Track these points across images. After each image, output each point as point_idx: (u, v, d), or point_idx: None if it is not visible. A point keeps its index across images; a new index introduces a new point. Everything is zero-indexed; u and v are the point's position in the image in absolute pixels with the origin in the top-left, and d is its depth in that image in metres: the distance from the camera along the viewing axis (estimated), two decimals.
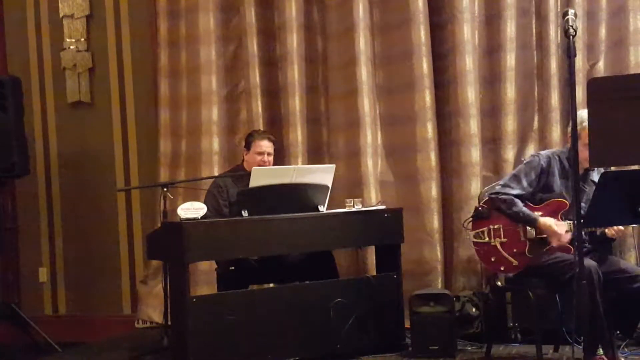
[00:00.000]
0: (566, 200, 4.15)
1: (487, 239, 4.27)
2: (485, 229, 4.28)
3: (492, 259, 4.27)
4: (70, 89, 6.08)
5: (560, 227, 4.09)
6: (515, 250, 4.22)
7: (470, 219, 4.38)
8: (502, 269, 4.28)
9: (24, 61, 6.14)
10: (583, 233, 4.08)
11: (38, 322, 5.71)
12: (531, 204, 4.24)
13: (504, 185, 4.28)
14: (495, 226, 4.26)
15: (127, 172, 6.05)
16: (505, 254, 4.22)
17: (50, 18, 6.11)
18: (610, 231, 4.10)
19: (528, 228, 4.20)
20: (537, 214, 4.17)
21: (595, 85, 3.16)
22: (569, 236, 4.07)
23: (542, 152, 4.35)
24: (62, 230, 6.15)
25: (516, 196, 4.22)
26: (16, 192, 6.14)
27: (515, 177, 4.27)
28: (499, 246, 4.24)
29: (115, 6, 6.01)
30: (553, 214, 4.17)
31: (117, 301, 6.04)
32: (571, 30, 3.18)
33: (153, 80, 5.91)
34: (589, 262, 3.85)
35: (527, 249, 4.21)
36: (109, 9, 6.02)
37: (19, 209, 6.18)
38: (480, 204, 4.41)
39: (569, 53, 3.13)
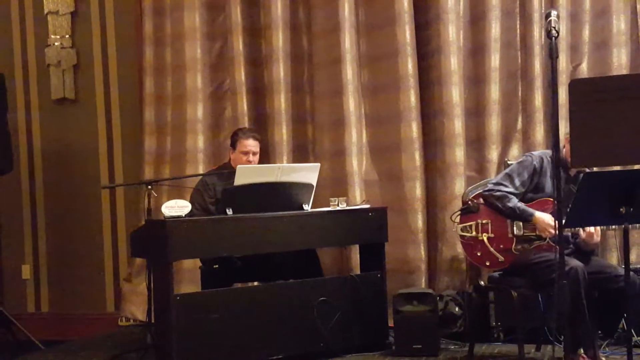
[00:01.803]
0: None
1: (474, 233, 4.28)
2: (472, 223, 4.30)
3: (478, 254, 4.28)
4: (55, 86, 6.05)
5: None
6: (501, 246, 4.24)
7: (459, 212, 4.38)
8: (487, 264, 4.30)
9: (8, 57, 6.10)
10: (569, 235, 4.13)
11: (20, 320, 5.69)
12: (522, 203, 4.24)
13: (497, 183, 4.29)
14: (484, 221, 4.28)
15: (111, 169, 6.03)
16: (492, 249, 4.24)
17: (34, 14, 6.08)
18: (586, 241, 4.12)
19: (515, 225, 4.22)
20: (532, 209, 4.18)
21: (577, 87, 3.18)
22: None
23: (535, 153, 4.37)
24: (45, 228, 6.12)
25: (509, 193, 4.23)
26: None
27: (509, 177, 4.28)
28: (486, 241, 4.25)
29: (100, 3, 5.98)
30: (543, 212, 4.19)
31: (100, 299, 6.02)
32: (553, 32, 3.20)
33: (138, 78, 5.90)
34: (575, 262, 3.88)
35: (513, 245, 4.23)
36: (93, 6, 6.00)
37: (1, 206, 6.13)
38: (470, 197, 4.40)
39: (551, 54, 3.15)
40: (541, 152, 4.42)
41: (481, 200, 4.33)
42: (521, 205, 4.21)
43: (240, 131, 5.03)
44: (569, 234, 4.12)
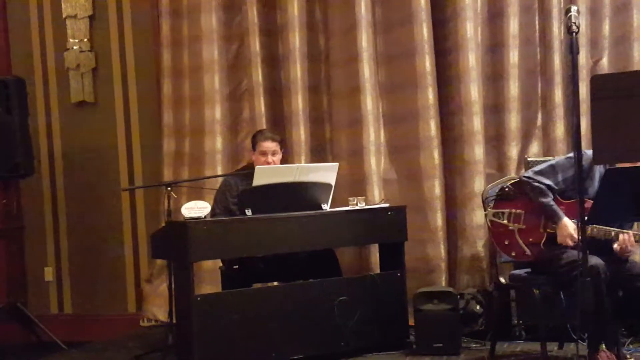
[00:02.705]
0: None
1: (505, 221, 4.20)
2: (506, 210, 4.20)
3: (506, 242, 4.21)
4: (74, 89, 6.09)
5: (576, 234, 3.96)
6: (531, 239, 4.16)
7: (494, 196, 4.31)
8: (513, 254, 4.22)
9: (28, 62, 6.14)
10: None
11: (44, 321, 5.75)
12: (560, 198, 4.15)
13: (538, 172, 4.15)
14: (517, 211, 4.19)
15: (130, 171, 6.05)
16: (520, 242, 4.18)
17: (53, 19, 6.11)
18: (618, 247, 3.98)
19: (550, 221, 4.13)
20: (562, 212, 4.07)
21: (598, 83, 3.14)
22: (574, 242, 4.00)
23: (589, 152, 4.00)
24: (67, 230, 6.16)
25: (547, 186, 4.12)
26: (21, 192, 6.15)
27: (553, 169, 4.14)
28: (516, 232, 4.19)
29: (118, 6, 6.01)
30: (577, 213, 4.09)
31: (122, 300, 6.05)
32: (574, 28, 3.16)
33: (156, 80, 5.92)
34: (595, 260, 3.81)
35: (543, 241, 4.15)
36: (111, 9, 6.02)
37: (24, 209, 6.20)
38: (509, 185, 4.28)
39: (571, 50, 3.11)
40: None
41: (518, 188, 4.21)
42: (554, 205, 4.09)
43: (258, 133, 5.04)
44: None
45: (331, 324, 4.52)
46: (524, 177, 4.21)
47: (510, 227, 4.20)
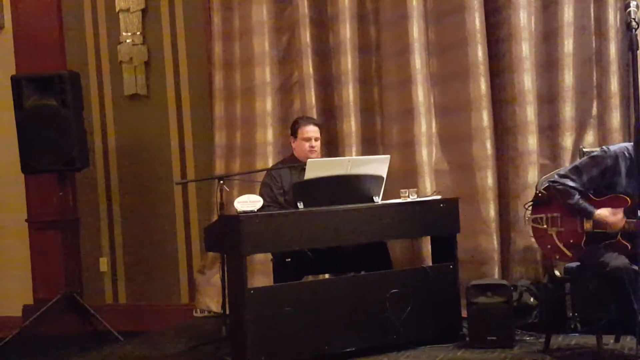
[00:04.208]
0: (628, 197, 4.00)
1: (544, 225, 4.21)
2: (543, 215, 4.21)
3: (548, 246, 4.22)
4: (127, 82, 6.16)
5: (616, 216, 3.98)
6: (571, 241, 4.15)
7: (531, 202, 4.31)
8: (557, 257, 4.24)
9: (82, 56, 6.23)
10: None
11: (99, 311, 5.86)
12: (593, 197, 4.12)
13: (563, 176, 4.16)
14: (554, 214, 4.19)
15: (183, 163, 6.11)
16: (560, 245, 4.17)
17: (106, 13, 6.18)
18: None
19: (585, 220, 4.11)
20: (592, 207, 4.06)
21: None
22: (623, 221, 3.98)
23: (612, 148, 4.13)
24: (121, 221, 6.25)
25: (572, 188, 4.11)
26: (77, 184, 6.25)
27: (577, 170, 4.14)
28: (554, 235, 4.18)
29: (170, 0, 6.06)
30: (615, 208, 4.04)
31: (175, 290, 6.13)
32: (633, 24, 3.09)
33: (208, 73, 5.96)
34: (619, 261, 3.80)
35: (583, 241, 4.13)
36: (163, 3, 6.07)
37: (79, 201, 6.30)
38: (541, 190, 4.31)
39: (631, 46, 3.05)
40: (618, 147, 4.13)
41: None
42: (582, 203, 4.07)
43: (299, 119, 5.06)
44: None
45: (383, 316, 4.51)
46: (550, 181, 4.22)
47: (549, 231, 4.19)
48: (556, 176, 4.22)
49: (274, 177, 4.92)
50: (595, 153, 4.20)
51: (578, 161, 4.29)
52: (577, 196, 4.10)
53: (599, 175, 4.08)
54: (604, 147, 4.27)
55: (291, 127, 5.04)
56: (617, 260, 3.81)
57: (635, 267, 3.76)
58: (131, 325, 5.83)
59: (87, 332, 5.88)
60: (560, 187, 4.13)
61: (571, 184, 4.11)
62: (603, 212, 4.04)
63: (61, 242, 6.12)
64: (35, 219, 6.24)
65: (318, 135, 4.94)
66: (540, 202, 4.27)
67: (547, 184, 4.28)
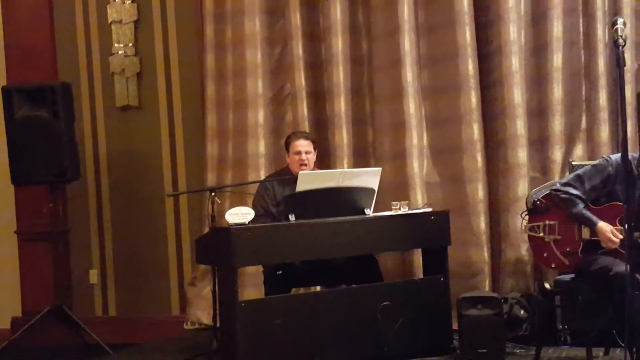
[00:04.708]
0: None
1: (541, 234, 4.22)
2: (540, 223, 4.22)
3: (545, 255, 4.22)
4: (119, 93, 6.16)
5: (616, 236, 4.00)
6: (568, 249, 4.16)
7: (527, 211, 4.33)
8: (553, 265, 4.24)
9: (74, 67, 6.23)
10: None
11: (88, 324, 5.82)
12: (592, 205, 4.14)
13: (565, 184, 4.17)
14: (551, 222, 4.19)
15: (174, 174, 6.11)
16: (557, 253, 4.18)
17: (99, 24, 6.19)
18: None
19: (583, 228, 4.12)
20: (596, 217, 4.08)
21: None
22: (619, 238, 4.01)
23: (613, 157, 4.16)
24: (111, 233, 6.24)
25: (576, 196, 4.13)
26: (67, 195, 6.23)
27: (579, 178, 4.15)
28: (552, 244, 4.19)
29: (162, 11, 6.06)
30: (610, 217, 4.07)
31: (166, 303, 6.11)
32: (620, 41, 3.12)
33: (200, 84, 5.97)
34: (621, 267, 3.80)
35: (580, 249, 4.14)
36: (156, 14, 6.08)
37: (69, 213, 6.28)
38: (540, 198, 4.31)
39: (618, 62, 3.07)
40: (619, 155, 4.12)
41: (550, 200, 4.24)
42: (586, 212, 4.10)
43: (292, 134, 5.11)
44: None
45: (374, 329, 4.51)
46: (552, 190, 4.23)
47: (547, 240, 4.20)
48: (559, 184, 4.22)
49: (267, 188, 4.94)
50: (596, 162, 4.22)
51: (580, 169, 4.27)
52: (581, 205, 4.11)
53: (600, 183, 4.11)
54: (604, 156, 4.30)
55: (285, 143, 5.08)
56: (620, 266, 3.81)
57: (638, 276, 3.77)
58: (121, 338, 5.80)
59: (76, 345, 5.84)
60: (564, 195, 4.14)
61: (575, 192, 4.13)
62: (605, 228, 4.04)
63: (51, 254, 6.09)
64: (25, 231, 6.22)
65: (309, 149, 4.96)
66: (536, 211, 4.27)
67: (548, 192, 4.27)
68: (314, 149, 5.01)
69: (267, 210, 4.85)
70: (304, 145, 4.94)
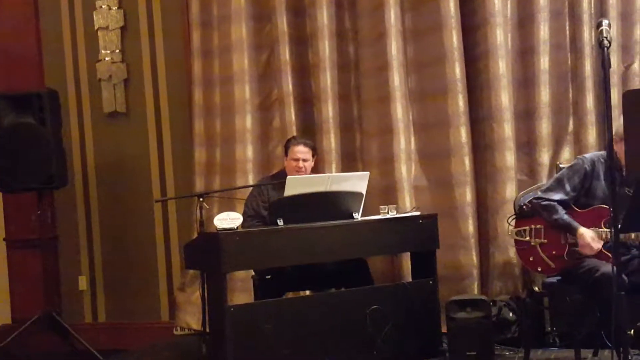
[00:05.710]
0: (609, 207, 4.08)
1: (527, 238, 4.26)
2: (527, 227, 4.27)
3: (531, 259, 4.27)
4: (106, 100, 6.14)
5: (595, 243, 4.06)
6: (554, 252, 4.20)
7: (514, 216, 4.37)
8: (539, 269, 4.28)
9: (61, 73, 6.21)
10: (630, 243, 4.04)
11: (78, 330, 5.80)
12: (576, 209, 4.19)
13: (546, 190, 4.23)
14: (537, 226, 4.24)
15: (162, 180, 6.10)
16: (544, 256, 4.21)
17: (85, 30, 6.17)
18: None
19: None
20: (577, 223, 4.12)
21: (630, 98, 3.14)
22: (599, 246, 4.06)
23: (587, 155, 4.28)
24: (100, 239, 6.22)
25: (559, 201, 4.18)
26: (55, 202, 6.22)
27: (559, 182, 4.22)
28: (538, 247, 4.23)
29: (149, 17, 6.05)
30: (595, 220, 4.12)
31: (155, 308, 6.10)
32: (605, 42, 3.13)
33: (187, 90, 5.96)
34: (607, 267, 3.84)
35: (565, 252, 4.18)
36: (142, 21, 6.07)
37: (58, 219, 6.26)
38: (526, 202, 4.36)
39: (603, 64, 3.08)
40: (593, 154, 4.33)
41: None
42: (566, 218, 4.14)
43: (292, 138, 5.11)
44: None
45: (364, 333, 4.52)
46: (533, 198, 4.28)
47: (533, 243, 4.24)
48: (539, 192, 4.27)
49: (261, 189, 4.96)
50: (572, 163, 4.31)
51: (558, 174, 4.34)
52: (562, 211, 4.16)
53: (579, 182, 4.18)
54: (578, 156, 4.40)
55: (284, 146, 5.09)
56: (606, 266, 3.85)
57: (625, 277, 3.79)
58: (111, 344, 5.80)
59: (66, 352, 5.82)
60: (544, 202, 4.20)
61: (556, 197, 4.18)
62: (586, 234, 4.08)
63: (40, 261, 6.07)
64: (14, 238, 6.20)
65: (308, 156, 4.96)
66: (523, 215, 4.32)
67: (530, 201, 4.31)
68: (313, 156, 5.02)
69: (258, 212, 4.85)
70: (302, 152, 4.95)
